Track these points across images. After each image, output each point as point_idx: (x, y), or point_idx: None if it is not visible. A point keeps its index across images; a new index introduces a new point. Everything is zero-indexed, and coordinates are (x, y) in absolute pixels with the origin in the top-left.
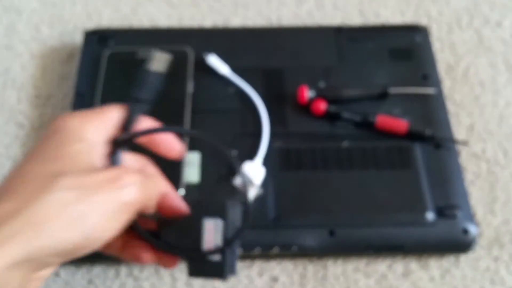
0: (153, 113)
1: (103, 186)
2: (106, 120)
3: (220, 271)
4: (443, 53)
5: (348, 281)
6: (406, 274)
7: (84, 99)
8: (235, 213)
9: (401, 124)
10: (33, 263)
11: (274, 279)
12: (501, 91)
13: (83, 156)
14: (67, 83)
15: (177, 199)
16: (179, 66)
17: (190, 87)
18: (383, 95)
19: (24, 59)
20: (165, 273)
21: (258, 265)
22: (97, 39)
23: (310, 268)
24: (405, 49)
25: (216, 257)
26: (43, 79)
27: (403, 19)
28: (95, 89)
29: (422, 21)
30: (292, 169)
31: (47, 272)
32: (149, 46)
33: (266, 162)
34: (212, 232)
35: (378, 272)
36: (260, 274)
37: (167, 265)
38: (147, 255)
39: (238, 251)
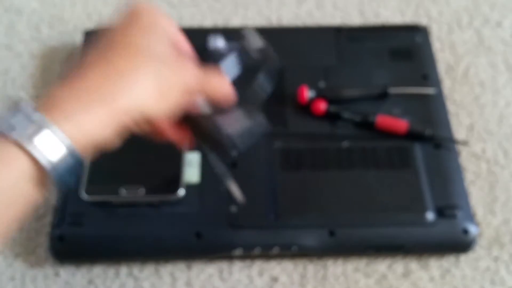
0: None
1: (178, 68)
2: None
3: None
4: (443, 53)
5: (348, 281)
6: (406, 274)
7: None
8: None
9: (401, 124)
10: (127, 116)
11: (274, 279)
12: (501, 91)
13: (163, 40)
14: None
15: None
16: None
17: None
18: (383, 95)
19: (24, 59)
20: (165, 272)
21: (258, 265)
22: (97, 39)
23: (310, 268)
24: (405, 49)
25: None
26: (43, 79)
27: (403, 19)
28: None
29: (422, 21)
30: (292, 169)
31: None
32: None
33: (266, 162)
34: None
35: (378, 272)
36: (260, 274)
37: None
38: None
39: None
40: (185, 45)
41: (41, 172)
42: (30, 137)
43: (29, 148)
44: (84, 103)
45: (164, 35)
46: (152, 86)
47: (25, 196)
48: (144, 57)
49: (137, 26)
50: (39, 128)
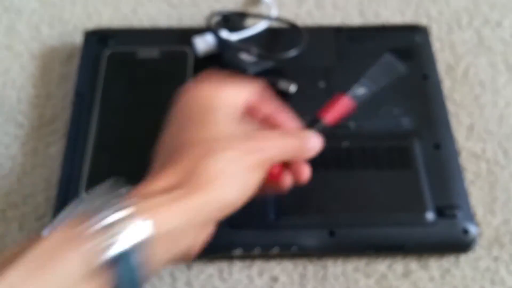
0: (153, 114)
1: (251, 147)
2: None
3: None
4: (443, 53)
5: (348, 281)
6: (406, 274)
7: (84, 99)
8: None
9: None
10: (202, 218)
11: (274, 279)
12: (501, 91)
13: (227, 121)
14: (67, 83)
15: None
16: (179, 66)
17: None
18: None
19: (24, 59)
20: (165, 273)
21: (258, 265)
22: (97, 39)
23: (310, 268)
24: (405, 49)
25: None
26: (43, 79)
27: (403, 19)
28: (95, 89)
29: (422, 21)
30: None
31: (208, 229)
32: (149, 46)
33: None
34: None
35: (378, 272)
36: (260, 274)
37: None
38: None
39: None
40: (265, 106)
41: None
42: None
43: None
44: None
45: (223, 115)
46: (234, 175)
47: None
48: (220, 152)
49: (188, 118)
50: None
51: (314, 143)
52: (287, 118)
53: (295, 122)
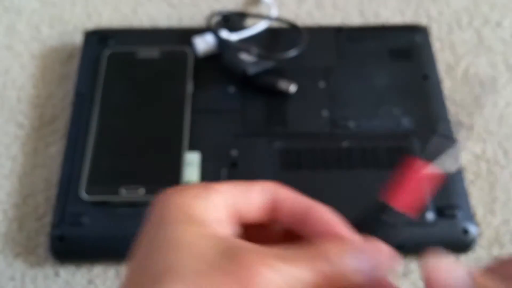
0: (153, 114)
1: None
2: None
3: None
4: (443, 53)
5: None
6: (406, 274)
7: (84, 99)
8: None
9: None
10: None
11: None
12: (501, 91)
13: (197, 243)
14: (67, 83)
15: None
16: (179, 66)
17: (190, 87)
18: None
19: (24, 59)
20: None
21: None
22: (97, 39)
23: None
24: (405, 49)
25: None
26: (43, 79)
27: (403, 19)
28: (95, 89)
29: (422, 21)
30: (292, 169)
31: None
32: (149, 46)
33: (266, 162)
34: None
35: None
36: None
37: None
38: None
39: None
40: (288, 206)
41: None
42: None
43: None
44: None
45: (192, 234)
46: None
47: None
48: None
49: (152, 240)
50: None
51: (357, 264)
52: (327, 217)
53: (342, 225)
